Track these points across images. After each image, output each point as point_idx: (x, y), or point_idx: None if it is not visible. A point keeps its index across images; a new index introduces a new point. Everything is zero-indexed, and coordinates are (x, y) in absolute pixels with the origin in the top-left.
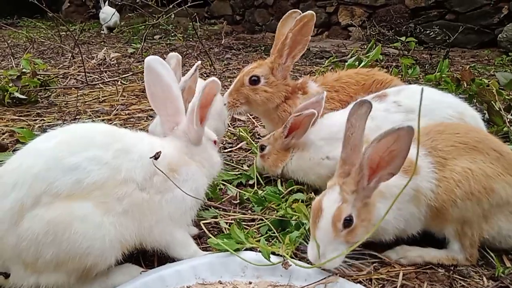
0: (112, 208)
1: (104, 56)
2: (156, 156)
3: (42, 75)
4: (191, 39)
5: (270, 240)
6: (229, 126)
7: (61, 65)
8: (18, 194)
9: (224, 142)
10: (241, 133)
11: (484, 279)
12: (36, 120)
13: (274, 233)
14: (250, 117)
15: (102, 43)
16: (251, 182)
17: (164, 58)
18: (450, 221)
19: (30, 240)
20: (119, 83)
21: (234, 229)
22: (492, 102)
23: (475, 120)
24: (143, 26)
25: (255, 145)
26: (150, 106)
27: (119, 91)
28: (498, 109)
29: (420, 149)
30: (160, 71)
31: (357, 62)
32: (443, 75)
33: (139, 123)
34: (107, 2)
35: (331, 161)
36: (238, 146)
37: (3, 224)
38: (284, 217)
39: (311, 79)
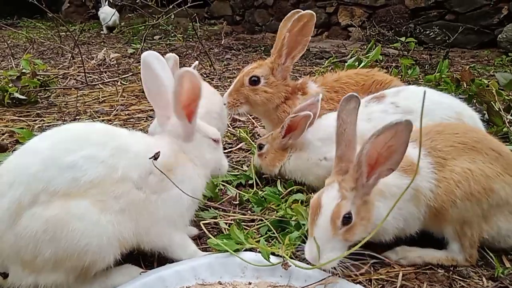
0: (109, 207)
1: (104, 56)
2: (156, 157)
3: (42, 76)
4: (191, 40)
5: (270, 240)
6: (229, 127)
7: (61, 66)
8: (16, 193)
9: (224, 142)
10: (241, 133)
11: (484, 279)
12: (36, 120)
13: (273, 233)
14: (250, 117)
15: (102, 43)
16: (250, 182)
17: None
18: (450, 221)
19: (28, 238)
20: (118, 83)
21: (233, 229)
22: (491, 102)
23: (474, 120)
24: (143, 27)
25: (255, 145)
26: (149, 106)
27: (119, 92)
28: (497, 109)
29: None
30: (155, 66)
31: (357, 63)
32: (443, 76)
33: (139, 123)
34: (106, 1)
35: (328, 162)
36: (238, 147)
37: (1, 223)
38: (284, 217)
39: (311, 80)
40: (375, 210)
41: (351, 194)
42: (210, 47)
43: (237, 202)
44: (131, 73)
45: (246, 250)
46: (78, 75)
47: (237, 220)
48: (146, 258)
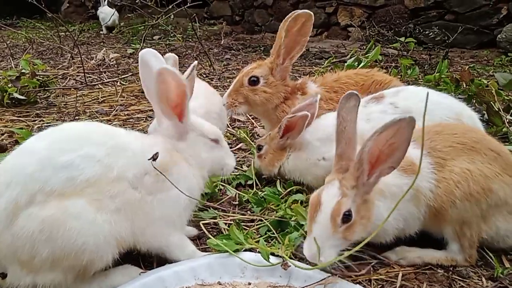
0: (105, 206)
1: (103, 56)
2: (155, 157)
3: (41, 76)
4: (190, 40)
5: (270, 240)
6: (228, 127)
7: (60, 66)
8: (13, 193)
9: None
10: (240, 134)
11: (483, 279)
12: (35, 120)
13: (273, 233)
14: (249, 117)
15: (101, 43)
16: (250, 182)
17: None
18: (449, 221)
19: (25, 238)
20: (118, 83)
21: (233, 229)
22: (491, 102)
23: (473, 120)
24: (142, 27)
25: (254, 146)
26: (149, 106)
27: (118, 92)
28: (497, 109)
29: (420, 149)
30: (152, 64)
31: (357, 63)
32: (443, 76)
33: (138, 123)
34: (106, 1)
35: (327, 162)
36: (237, 147)
37: None
38: (284, 217)
39: (310, 80)
40: (375, 210)
41: (351, 192)
42: (209, 47)
43: (237, 202)
44: (130, 73)
45: (245, 250)
46: (77, 75)
47: (237, 220)
48: (146, 259)
